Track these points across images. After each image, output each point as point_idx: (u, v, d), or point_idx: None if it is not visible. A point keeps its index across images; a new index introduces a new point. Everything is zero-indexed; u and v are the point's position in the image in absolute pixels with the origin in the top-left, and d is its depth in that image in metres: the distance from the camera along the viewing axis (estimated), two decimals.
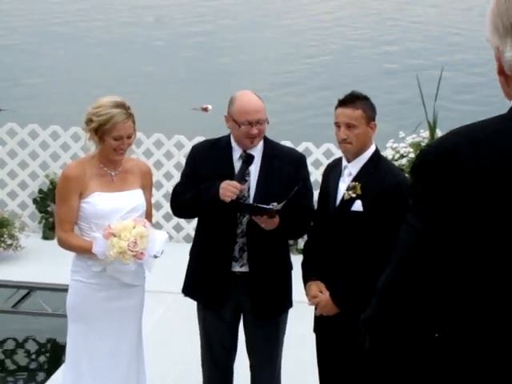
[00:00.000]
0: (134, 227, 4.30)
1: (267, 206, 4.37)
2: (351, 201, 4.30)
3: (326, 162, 8.72)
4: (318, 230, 4.52)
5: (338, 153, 8.64)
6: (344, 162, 4.45)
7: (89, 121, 4.41)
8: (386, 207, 4.21)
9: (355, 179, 4.33)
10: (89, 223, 4.44)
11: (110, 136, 4.37)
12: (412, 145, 8.05)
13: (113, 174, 4.49)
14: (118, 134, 4.37)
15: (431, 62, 19.78)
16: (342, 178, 4.40)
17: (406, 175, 7.50)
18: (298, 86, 19.35)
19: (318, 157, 8.78)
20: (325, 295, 4.37)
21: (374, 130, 4.41)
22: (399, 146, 7.96)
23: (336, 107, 4.39)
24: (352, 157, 4.39)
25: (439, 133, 8.08)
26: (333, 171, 4.51)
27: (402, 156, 7.87)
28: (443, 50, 22.80)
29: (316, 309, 4.47)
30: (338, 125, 4.37)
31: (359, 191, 4.29)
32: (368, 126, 4.35)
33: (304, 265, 4.53)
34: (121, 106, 4.40)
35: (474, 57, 20.83)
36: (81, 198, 4.42)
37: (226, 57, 22.21)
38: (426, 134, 8.10)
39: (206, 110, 17.10)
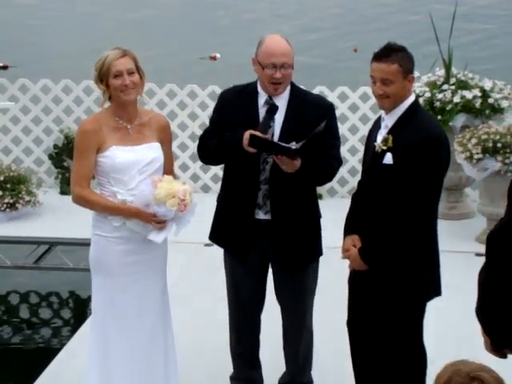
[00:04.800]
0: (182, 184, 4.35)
1: (285, 144, 4.32)
2: (383, 153, 4.20)
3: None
4: (360, 183, 4.47)
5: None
6: (383, 115, 4.34)
7: (94, 76, 4.40)
8: (412, 161, 4.10)
9: (390, 131, 4.22)
10: (107, 177, 4.41)
11: (111, 76, 4.35)
12: (428, 84, 7.94)
13: (129, 127, 4.45)
14: (116, 70, 4.33)
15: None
16: (379, 131, 4.29)
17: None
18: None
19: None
20: (355, 249, 4.29)
21: (412, 82, 4.25)
22: (415, 86, 7.82)
23: (371, 61, 4.22)
24: (389, 110, 4.26)
25: (455, 71, 7.98)
26: (376, 125, 4.41)
27: (418, 96, 7.72)
28: None
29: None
30: (373, 79, 4.22)
31: (391, 144, 4.17)
32: (405, 79, 4.19)
33: (346, 217, 4.47)
34: (117, 48, 4.39)
35: None
36: (98, 153, 4.39)
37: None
38: (441, 72, 7.98)
39: (214, 58, 16.97)
